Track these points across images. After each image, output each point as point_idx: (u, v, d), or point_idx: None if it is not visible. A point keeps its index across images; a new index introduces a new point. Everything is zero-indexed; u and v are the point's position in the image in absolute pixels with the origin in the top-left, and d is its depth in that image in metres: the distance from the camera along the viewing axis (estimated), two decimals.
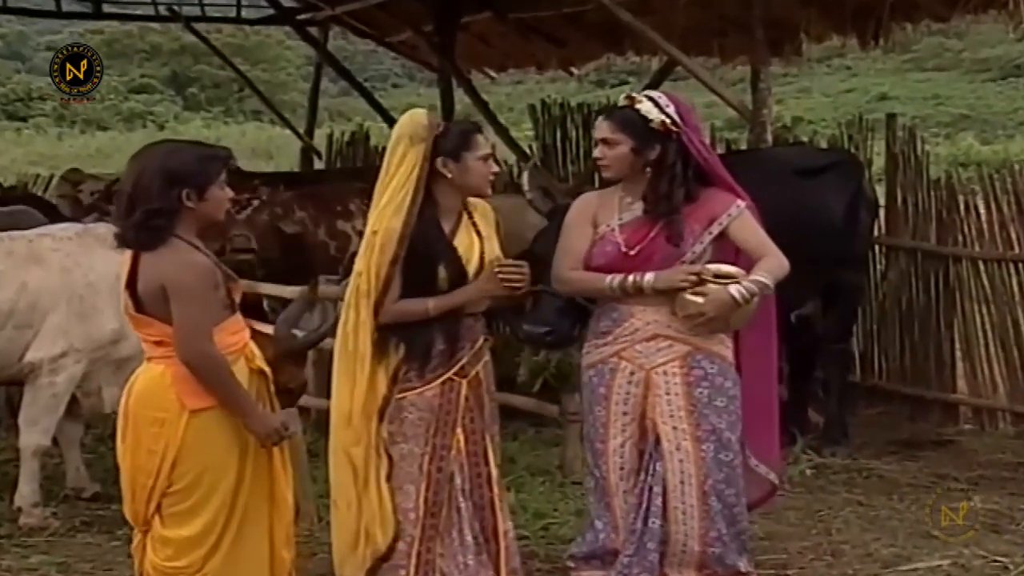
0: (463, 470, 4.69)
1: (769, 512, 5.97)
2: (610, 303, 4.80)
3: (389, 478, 4.61)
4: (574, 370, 7.05)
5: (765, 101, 8.27)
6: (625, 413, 4.78)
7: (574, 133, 11.31)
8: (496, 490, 4.78)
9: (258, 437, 4.24)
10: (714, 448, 4.71)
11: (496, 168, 4.72)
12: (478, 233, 4.68)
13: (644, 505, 4.75)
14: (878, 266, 8.75)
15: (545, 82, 26.89)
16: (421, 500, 4.62)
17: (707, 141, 4.97)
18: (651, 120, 4.70)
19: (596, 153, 4.81)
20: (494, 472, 4.78)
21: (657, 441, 4.74)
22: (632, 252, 4.71)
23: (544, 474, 7.02)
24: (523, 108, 17.07)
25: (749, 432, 4.89)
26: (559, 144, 11.41)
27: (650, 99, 4.76)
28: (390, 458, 4.62)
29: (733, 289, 4.55)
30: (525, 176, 6.20)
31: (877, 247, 8.64)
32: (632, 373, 4.76)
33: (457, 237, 4.64)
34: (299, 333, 4.86)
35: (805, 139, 10.22)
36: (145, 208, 4.14)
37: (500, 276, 4.60)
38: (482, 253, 4.66)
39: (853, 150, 8.64)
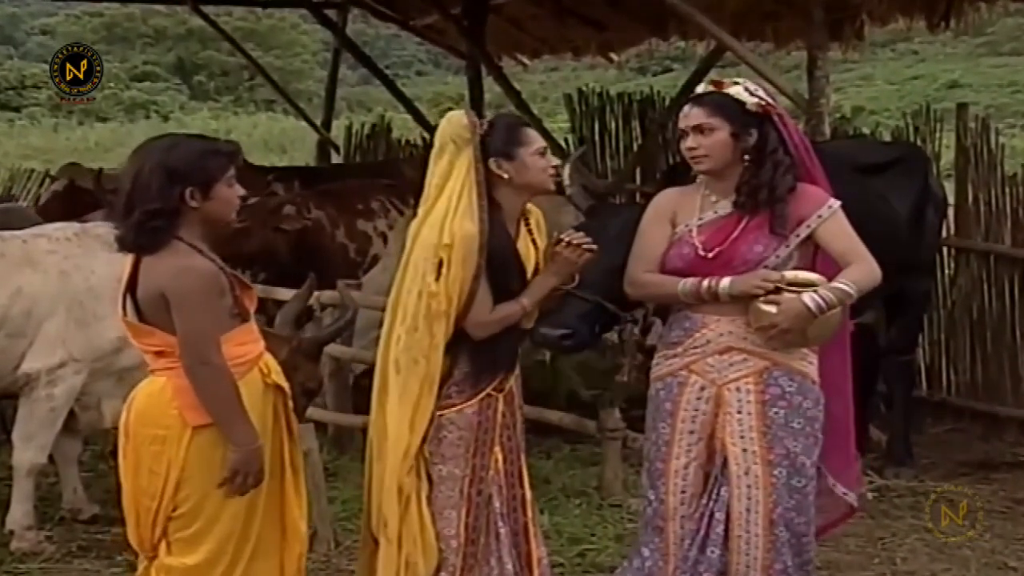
0: (501, 492, 4.69)
1: (827, 539, 5.95)
2: (683, 311, 4.74)
3: (429, 502, 4.61)
4: (606, 380, 7.09)
5: (823, 90, 8.25)
6: (692, 432, 4.71)
7: (614, 125, 11.34)
8: (530, 514, 4.79)
9: (232, 467, 4.17)
10: (787, 474, 4.64)
11: (556, 161, 4.69)
12: (534, 242, 4.69)
13: (703, 532, 4.69)
14: (947, 270, 8.72)
15: (582, 69, 26.95)
16: (462, 526, 4.61)
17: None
18: (746, 103, 4.65)
19: (689, 143, 4.67)
20: (528, 494, 4.79)
21: (724, 463, 4.68)
22: (710, 255, 4.64)
23: (581, 496, 7.03)
24: (558, 97, 17.08)
25: (827, 451, 4.82)
26: (598, 137, 11.43)
27: (736, 83, 4.73)
28: (430, 480, 4.63)
29: (807, 298, 4.46)
30: (566, 169, 6.13)
31: (946, 249, 8.61)
32: (702, 388, 4.69)
33: (517, 244, 4.64)
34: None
35: (867, 131, 10.21)
36: (144, 208, 4.14)
37: (577, 243, 4.60)
38: (537, 264, 4.67)
39: (920, 143, 8.61)
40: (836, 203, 4.67)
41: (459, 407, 4.59)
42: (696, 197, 4.76)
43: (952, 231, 8.55)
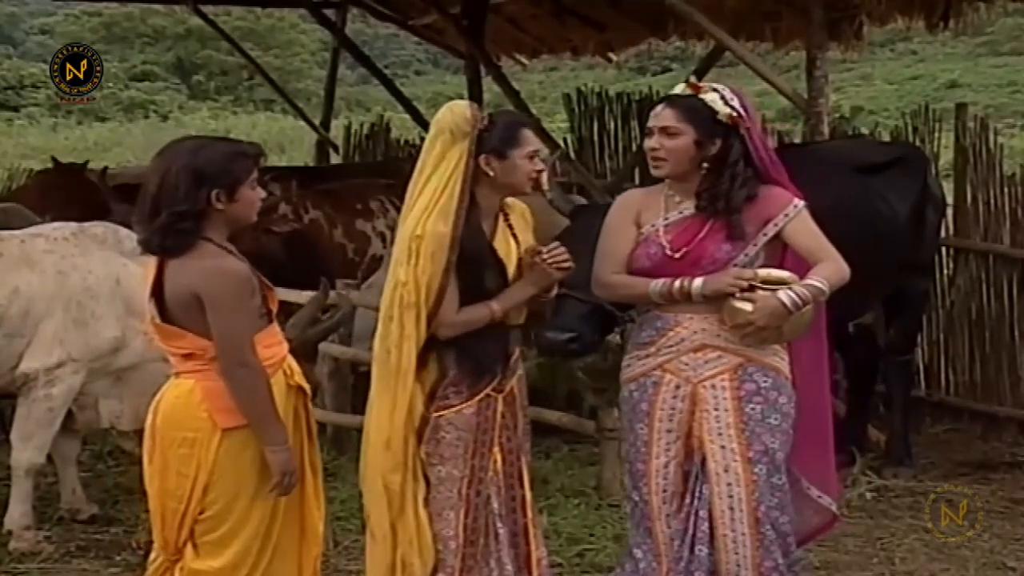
0: (500, 493, 4.68)
1: (826, 539, 5.95)
2: (654, 311, 4.76)
3: (427, 503, 4.61)
4: (607, 380, 7.07)
5: (822, 89, 8.26)
6: (670, 431, 4.72)
7: (612, 125, 11.33)
8: (530, 515, 4.77)
9: (280, 469, 4.21)
10: (767, 471, 4.66)
11: (542, 166, 4.68)
12: (514, 237, 4.67)
13: (690, 531, 4.70)
14: (945, 270, 8.71)
15: (581, 69, 26.98)
16: (461, 527, 4.61)
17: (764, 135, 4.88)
18: (718, 112, 4.66)
19: (651, 143, 4.70)
20: (528, 495, 4.77)
21: (703, 461, 4.70)
22: (677, 255, 4.66)
23: (579, 496, 7.03)
24: (557, 97, 17.06)
25: (803, 455, 4.84)
26: (596, 137, 11.43)
27: (714, 90, 4.71)
28: (427, 481, 4.62)
29: (783, 295, 4.49)
30: (543, 173, 6.11)
31: (944, 249, 8.61)
32: (678, 387, 4.71)
33: (495, 241, 4.63)
34: None
35: (866, 131, 10.20)
36: (171, 210, 4.14)
37: (548, 260, 4.59)
38: (519, 259, 4.66)
39: (919, 143, 8.61)
40: (801, 203, 4.70)
41: (457, 408, 4.58)
42: (660, 197, 4.78)
43: (951, 231, 8.55)
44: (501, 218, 4.68)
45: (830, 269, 4.60)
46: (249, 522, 4.26)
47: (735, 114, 4.66)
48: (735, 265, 4.64)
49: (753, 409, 4.66)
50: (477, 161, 4.53)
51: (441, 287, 4.47)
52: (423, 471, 4.61)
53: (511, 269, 4.64)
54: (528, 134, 4.65)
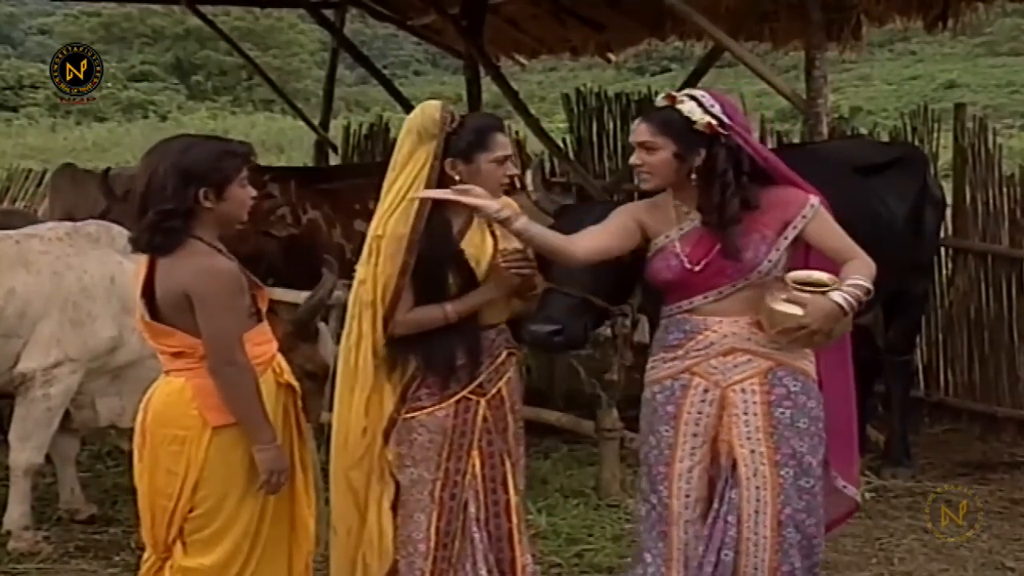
0: (479, 497, 4.64)
1: (825, 539, 5.93)
2: (681, 314, 4.70)
3: (394, 505, 4.61)
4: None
5: (820, 90, 8.25)
6: (696, 435, 4.67)
7: (611, 125, 11.31)
8: (515, 520, 4.72)
9: (267, 467, 4.22)
10: (793, 474, 4.62)
11: (514, 170, 4.64)
12: (492, 233, 4.64)
13: (716, 536, 4.65)
14: (944, 271, 8.71)
15: (580, 69, 27.00)
16: (432, 530, 4.58)
17: (758, 139, 4.80)
18: (695, 121, 4.57)
19: (633, 159, 4.68)
20: (513, 500, 4.71)
21: (733, 466, 4.64)
22: (697, 268, 4.60)
23: (578, 496, 7.03)
24: (556, 97, 17.06)
25: (831, 445, 4.80)
26: (595, 137, 11.41)
27: (692, 98, 4.64)
28: (397, 484, 4.61)
29: (838, 297, 4.42)
30: (528, 174, 6.12)
31: (943, 250, 8.61)
32: (706, 391, 4.65)
33: (467, 238, 4.60)
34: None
35: (865, 131, 10.19)
36: (158, 209, 4.15)
37: (505, 265, 4.56)
38: (495, 254, 4.62)
39: (918, 143, 8.61)
40: (816, 201, 4.64)
41: (429, 410, 4.57)
42: (668, 207, 4.72)
43: (950, 231, 8.55)
44: (476, 217, 4.63)
45: (863, 266, 4.54)
46: (239, 520, 4.26)
47: (714, 122, 4.58)
48: (760, 271, 4.58)
49: (783, 413, 4.62)
50: (443, 164, 4.52)
51: (397, 288, 4.47)
52: (391, 474, 4.61)
53: (484, 265, 4.60)
54: (499, 138, 4.60)
